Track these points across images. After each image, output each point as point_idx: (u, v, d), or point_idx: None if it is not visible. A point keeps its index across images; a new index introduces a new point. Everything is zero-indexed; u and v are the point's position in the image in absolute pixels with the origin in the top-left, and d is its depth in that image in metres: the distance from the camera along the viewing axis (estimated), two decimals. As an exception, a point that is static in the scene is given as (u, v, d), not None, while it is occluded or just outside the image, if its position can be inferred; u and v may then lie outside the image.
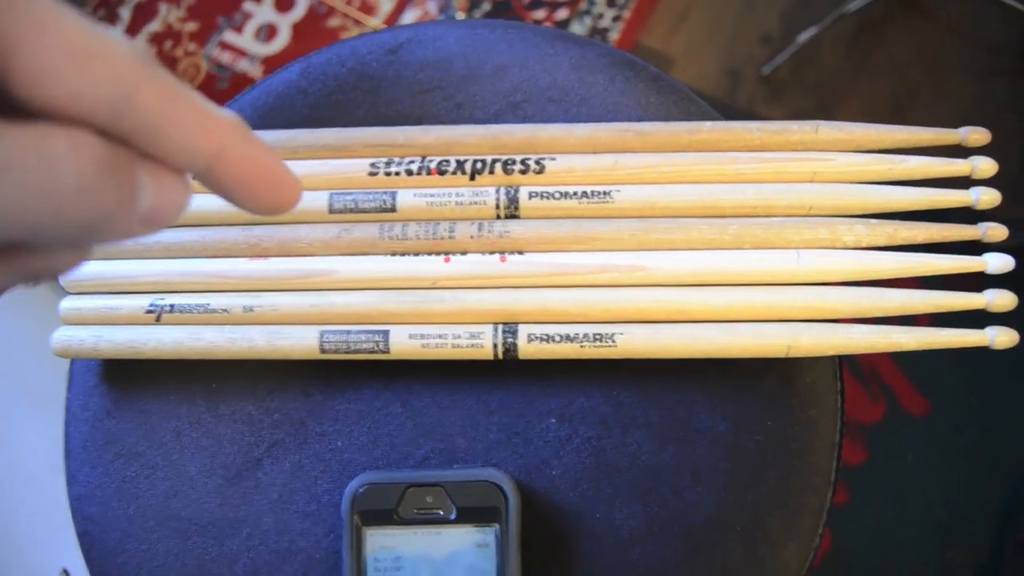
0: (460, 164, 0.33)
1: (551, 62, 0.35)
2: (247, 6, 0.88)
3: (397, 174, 0.33)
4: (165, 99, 0.14)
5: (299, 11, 0.88)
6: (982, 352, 0.81)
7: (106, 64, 0.13)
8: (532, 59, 0.35)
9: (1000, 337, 0.32)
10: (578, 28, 0.84)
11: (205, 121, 0.15)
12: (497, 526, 0.29)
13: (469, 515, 0.29)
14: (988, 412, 0.75)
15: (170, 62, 0.86)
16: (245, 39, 0.87)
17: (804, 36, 0.81)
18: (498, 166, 0.32)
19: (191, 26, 0.87)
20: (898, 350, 0.31)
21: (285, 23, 0.87)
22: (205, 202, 0.33)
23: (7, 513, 0.75)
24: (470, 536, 0.30)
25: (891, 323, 0.32)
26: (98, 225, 0.14)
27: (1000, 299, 0.32)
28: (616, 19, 0.84)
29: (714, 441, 0.31)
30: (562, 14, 0.85)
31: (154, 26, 0.87)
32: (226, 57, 0.87)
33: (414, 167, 0.33)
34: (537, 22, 0.85)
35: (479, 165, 0.33)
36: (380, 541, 0.30)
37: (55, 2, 0.12)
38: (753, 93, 0.84)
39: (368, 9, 0.87)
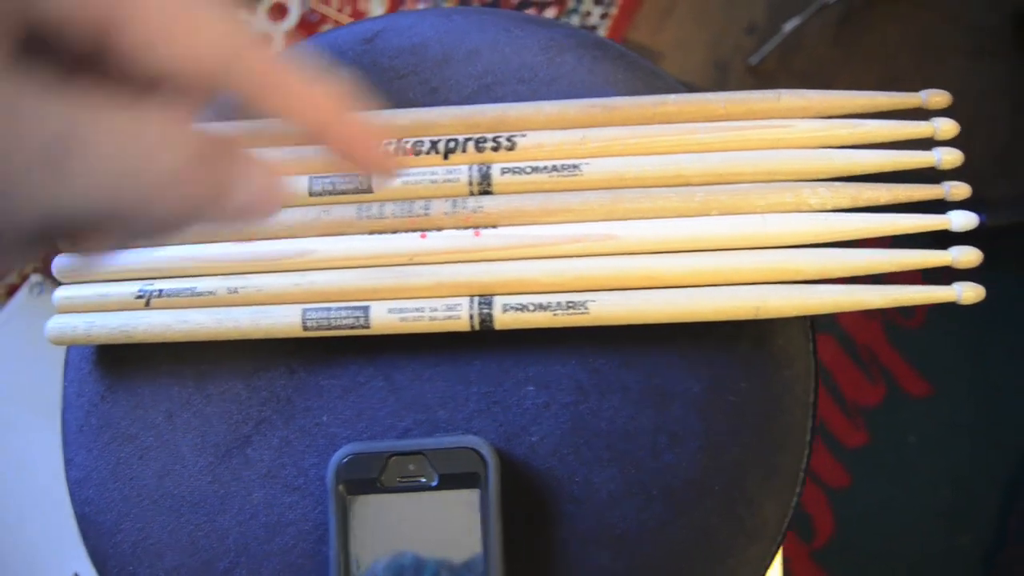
0: (434, 144, 0.34)
1: (520, 44, 0.36)
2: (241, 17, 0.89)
3: (373, 156, 0.34)
4: (269, 65, 0.14)
5: (292, 20, 0.89)
6: (980, 332, 0.82)
7: (214, 29, 0.13)
8: (503, 42, 0.36)
9: (967, 292, 0.32)
10: (566, 26, 0.85)
11: (308, 88, 0.15)
12: (478, 491, 0.30)
13: (450, 481, 0.30)
14: (988, 391, 0.75)
15: (167, 75, 0.88)
16: (240, 50, 0.89)
17: (789, 25, 0.82)
18: (470, 145, 0.33)
19: (187, 39, 0.89)
20: (866, 308, 0.32)
21: (279, 32, 0.89)
22: (190, 191, 0.34)
23: (17, 520, 0.76)
24: (452, 501, 0.30)
25: (860, 284, 0.32)
26: (188, 214, 0.14)
27: (965, 255, 0.32)
28: (603, 16, 0.86)
29: (689, 404, 0.32)
30: (550, 13, 0.86)
31: (151, 40, 0.89)
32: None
33: (390, 149, 0.34)
34: (526, 22, 0.86)
35: (452, 144, 0.34)
36: (365, 509, 0.30)
37: None
38: (741, 84, 0.84)
39: (359, 15, 0.89)
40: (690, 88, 0.37)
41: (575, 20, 0.86)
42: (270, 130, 0.35)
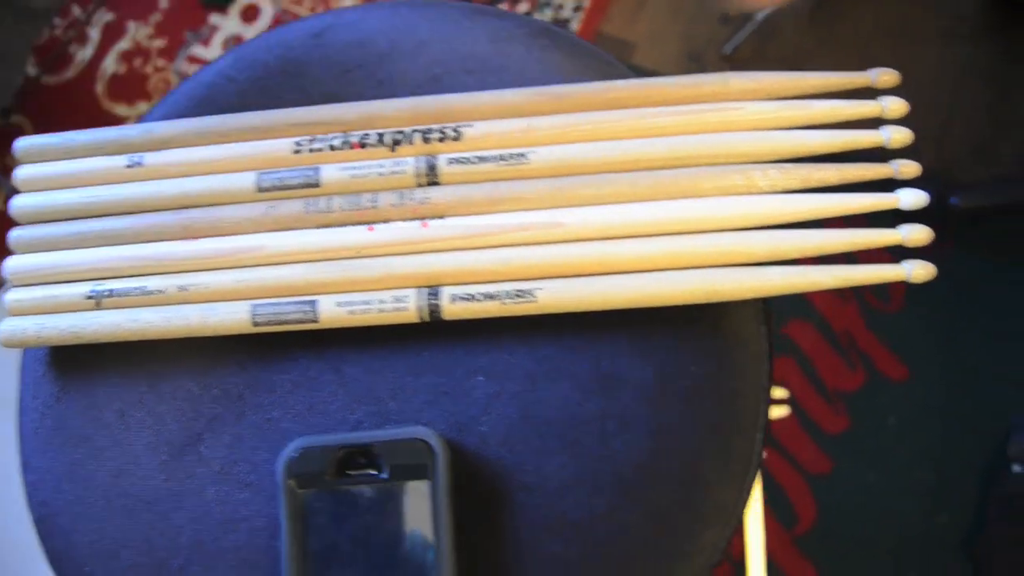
0: (380, 137, 0.34)
1: (469, 35, 0.36)
2: (213, 19, 0.89)
3: (320, 150, 0.34)
4: None
5: (264, 22, 0.89)
6: (956, 315, 0.82)
7: None
8: (451, 33, 0.36)
9: (917, 270, 0.32)
10: (539, 20, 0.85)
11: None
12: (428, 481, 0.30)
13: (400, 472, 0.30)
14: (966, 373, 0.75)
15: (140, 79, 0.88)
16: (213, 52, 0.89)
17: (762, 13, 0.82)
18: (417, 136, 0.33)
19: (159, 42, 0.89)
20: (818, 289, 0.32)
21: (251, 34, 0.89)
22: (139, 189, 0.34)
23: (16, 521, 0.76)
24: (403, 492, 0.30)
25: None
26: None
27: (915, 233, 0.32)
28: (576, 9, 0.85)
29: (639, 389, 0.32)
30: (523, 7, 0.86)
31: (123, 45, 0.89)
32: (195, 71, 0.88)
33: (337, 142, 0.34)
34: (499, 17, 0.85)
35: (399, 136, 0.33)
36: (316, 503, 0.30)
37: None
38: (717, 73, 0.84)
39: (333, 15, 0.89)
40: (642, 74, 0.37)
41: (548, 13, 0.85)
42: (217, 127, 0.35)
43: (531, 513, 0.31)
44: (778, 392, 0.72)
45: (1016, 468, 0.70)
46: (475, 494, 0.31)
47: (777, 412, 0.70)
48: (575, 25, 0.85)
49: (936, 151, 0.77)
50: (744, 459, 0.32)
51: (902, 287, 0.77)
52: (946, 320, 0.75)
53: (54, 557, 0.34)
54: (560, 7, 0.86)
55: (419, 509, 0.30)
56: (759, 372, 0.33)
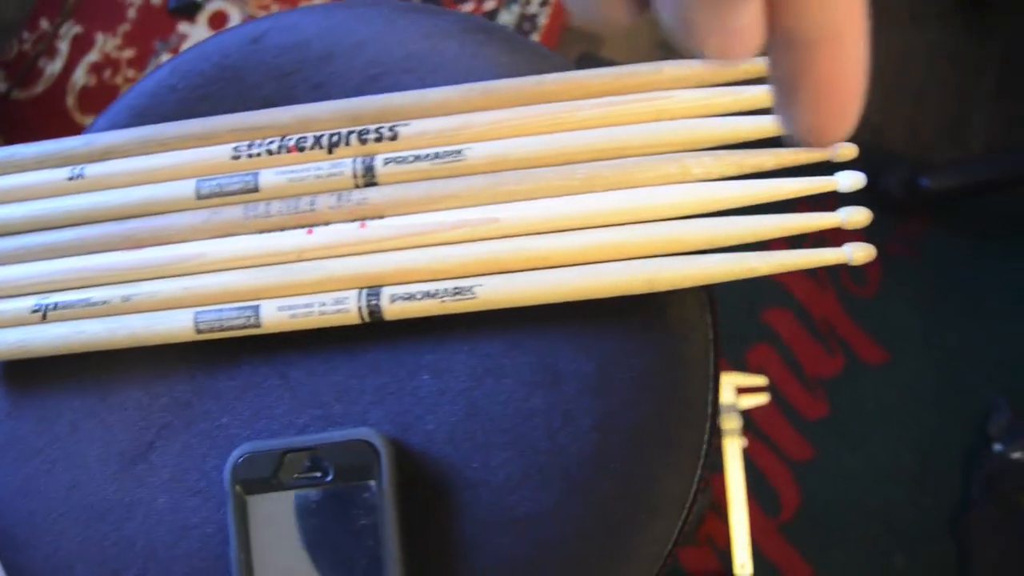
0: (317, 139, 0.34)
1: (404, 34, 0.36)
2: (182, 28, 0.89)
3: (259, 155, 0.34)
4: None
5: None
6: (933, 297, 0.82)
7: None
8: (386, 33, 0.36)
9: (857, 253, 0.32)
10: (506, 17, 0.85)
11: None
12: (373, 482, 0.30)
13: (345, 474, 0.30)
14: (945, 354, 0.75)
15: (111, 90, 0.88)
16: (184, 61, 0.89)
17: (729, 0, 0.81)
18: (354, 137, 0.33)
19: (128, 53, 0.89)
20: (757, 275, 0.32)
21: (221, 42, 0.89)
22: (81, 201, 0.34)
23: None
24: (348, 493, 0.30)
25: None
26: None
27: (854, 216, 0.32)
28: (543, 4, 0.85)
29: (584, 383, 0.32)
30: (490, 5, 0.86)
31: (92, 57, 0.89)
32: (167, 81, 0.88)
33: (274, 147, 0.34)
34: (468, 15, 0.85)
35: (335, 139, 0.33)
36: (262, 507, 0.30)
37: None
38: (687, 63, 0.84)
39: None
40: (598, 66, 0.37)
41: (515, 9, 0.85)
42: (157, 136, 0.35)
43: (478, 510, 0.31)
44: (757, 380, 0.72)
45: (997, 447, 0.70)
46: (422, 493, 0.31)
47: (757, 400, 0.70)
48: (543, 20, 0.85)
49: (907, 134, 0.76)
50: (693, 449, 0.32)
51: (877, 271, 0.77)
52: (924, 302, 0.75)
53: (11, 572, 0.34)
54: (527, 3, 0.85)
55: (365, 509, 0.30)
56: (705, 362, 0.33)
